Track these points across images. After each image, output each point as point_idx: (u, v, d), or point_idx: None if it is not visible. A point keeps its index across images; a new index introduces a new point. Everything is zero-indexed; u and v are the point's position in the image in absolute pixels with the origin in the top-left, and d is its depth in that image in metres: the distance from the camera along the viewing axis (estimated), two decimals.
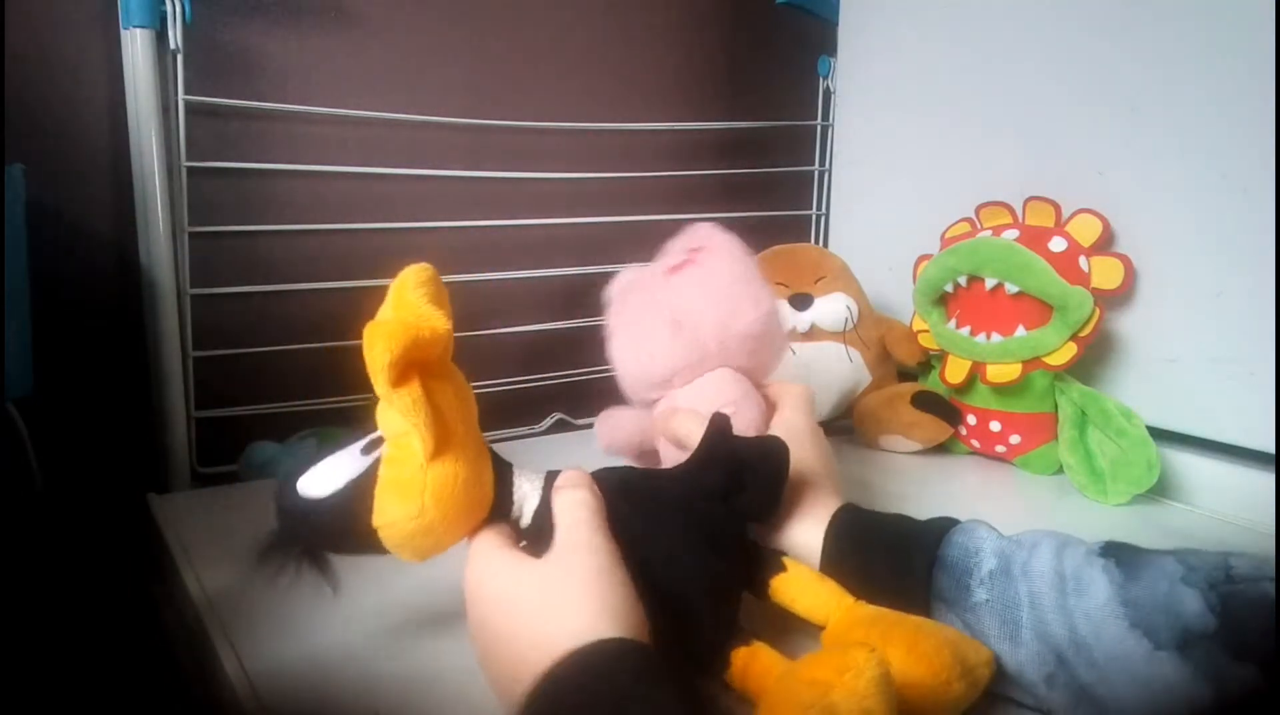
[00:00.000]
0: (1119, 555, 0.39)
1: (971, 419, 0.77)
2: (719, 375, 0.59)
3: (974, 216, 0.80)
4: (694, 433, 0.48)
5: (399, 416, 0.37)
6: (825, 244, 1.04)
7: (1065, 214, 0.73)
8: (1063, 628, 0.38)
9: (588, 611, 0.35)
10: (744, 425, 0.56)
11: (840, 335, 0.80)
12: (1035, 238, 0.72)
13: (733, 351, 0.59)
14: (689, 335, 0.58)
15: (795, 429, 0.54)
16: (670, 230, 0.63)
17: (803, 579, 0.45)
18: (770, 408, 0.59)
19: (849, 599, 0.43)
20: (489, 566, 0.39)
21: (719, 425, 0.46)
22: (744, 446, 0.46)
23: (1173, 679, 0.35)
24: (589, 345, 0.82)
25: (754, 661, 0.40)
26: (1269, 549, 0.37)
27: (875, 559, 0.45)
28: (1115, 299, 0.71)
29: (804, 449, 0.52)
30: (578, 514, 0.40)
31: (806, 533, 0.48)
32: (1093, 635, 0.37)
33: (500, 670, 0.37)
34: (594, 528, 0.39)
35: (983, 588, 0.41)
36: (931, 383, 0.81)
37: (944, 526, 0.45)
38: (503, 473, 0.43)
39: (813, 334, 0.80)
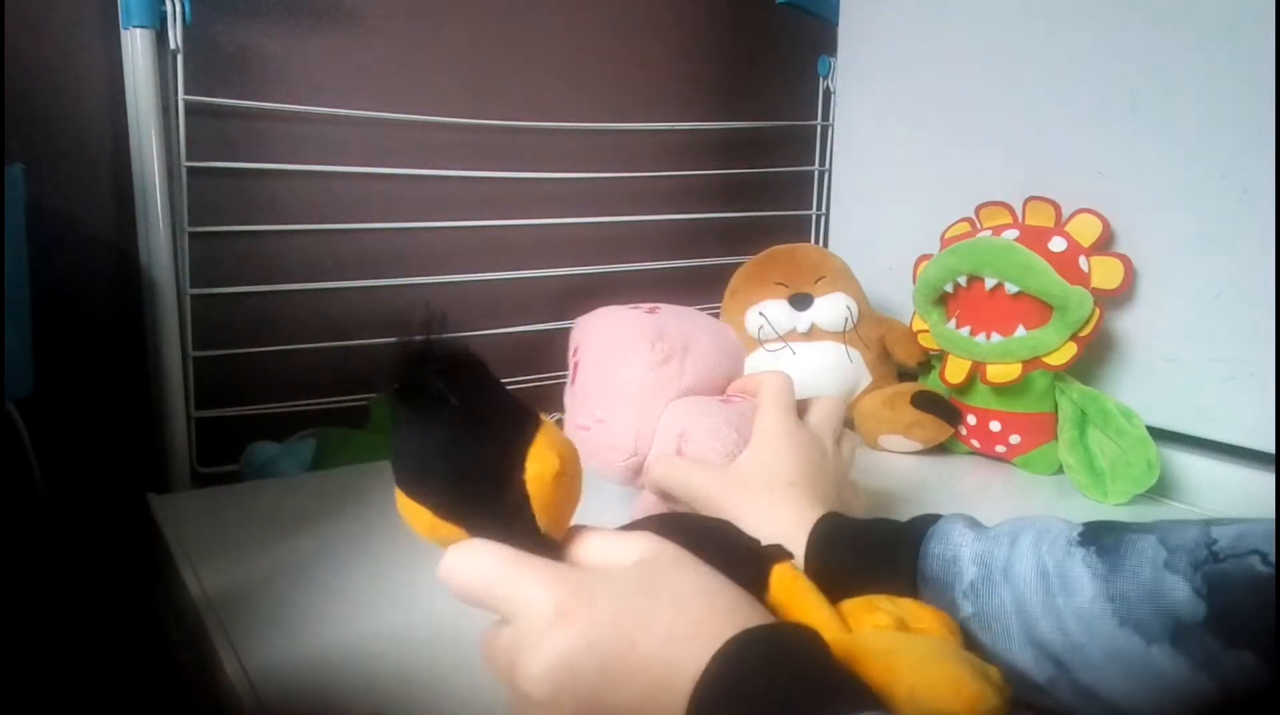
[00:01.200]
0: (1099, 542, 0.38)
1: (971, 419, 0.77)
2: (667, 411, 0.56)
3: (974, 216, 0.80)
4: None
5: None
6: (825, 244, 1.04)
7: (1065, 214, 0.73)
8: (1055, 631, 0.37)
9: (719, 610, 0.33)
10: (702, 452, 0.54)
11: (840, 335, 0.80)
12: (1035, 238, 0.72)
13: (655, 401, 0.56)
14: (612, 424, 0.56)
15: (767, 436, 0.52)
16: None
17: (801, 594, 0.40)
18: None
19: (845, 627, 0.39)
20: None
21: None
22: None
23: (1170, 674, 0.34)
24: None
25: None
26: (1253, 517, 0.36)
27: (858, 576, 0.43)
28: (1115, 299, 0.71)
29: (779, 458, 0.50)
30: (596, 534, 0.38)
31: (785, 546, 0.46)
32: (1085, 636, 0.36)
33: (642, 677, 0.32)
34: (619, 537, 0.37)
35: (967, 601, 0.40)
36: (931, 383, 0.81)
37: (920, 532, 0.43)
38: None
39: (813, 334, 0.80)
